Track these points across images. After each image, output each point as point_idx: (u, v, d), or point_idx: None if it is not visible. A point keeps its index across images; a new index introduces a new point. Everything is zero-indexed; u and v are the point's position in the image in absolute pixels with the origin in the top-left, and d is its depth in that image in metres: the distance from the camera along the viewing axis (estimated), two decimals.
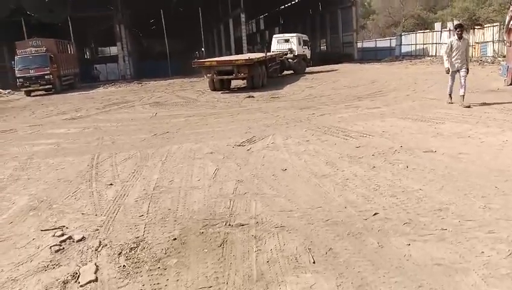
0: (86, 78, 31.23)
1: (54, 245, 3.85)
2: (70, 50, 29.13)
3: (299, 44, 25.52)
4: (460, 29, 10.03)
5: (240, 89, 18.17)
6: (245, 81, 18.44)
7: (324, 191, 4.83)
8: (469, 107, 9.35)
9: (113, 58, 37.07)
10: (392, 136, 7.23)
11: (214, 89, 18.14)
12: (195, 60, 21.46)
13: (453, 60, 9.90)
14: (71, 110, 14.86)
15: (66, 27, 31.08)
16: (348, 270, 3.15)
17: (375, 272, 3.11)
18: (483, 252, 3.27)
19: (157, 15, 34.95)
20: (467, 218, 3.87)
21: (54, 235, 4.08)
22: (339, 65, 30.02)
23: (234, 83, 19.19)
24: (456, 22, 29.63)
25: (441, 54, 30.53)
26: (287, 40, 25.54)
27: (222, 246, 3.66)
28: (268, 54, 21.74)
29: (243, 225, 4.04)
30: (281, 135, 8.06)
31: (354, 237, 3.67)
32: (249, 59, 17.83)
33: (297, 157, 6.34)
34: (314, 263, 3.29)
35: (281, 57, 24.02)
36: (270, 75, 21.15)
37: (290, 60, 24.84)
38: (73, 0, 29.66)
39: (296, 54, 25.04)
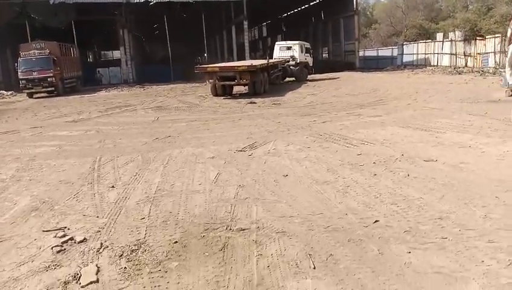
0: (88, 81, 31.27)
1: (55, 246, 3.87)
2: (73, 53, 29.21)
3: (301, 51, 25.65)
4: None
5: (241, 95, 18.25)
6: (247, 87, 18.53)
7: (325, 198, 4.85)
8: None
9: (116, 62, 37.18)
10: (393, 145, 7.26)
11: (216, 95, 18.23)
12: (198, 66, 21.53)
13: None
14: (73, 113, 14.90)
15: (70, 30, 31.23)
16: (348, 277, 3.16)
17: (375, 278, 3.12)
18: (483, 261, 3.29)
19: (161, 20, 35.13)
20: (467, 227, 3.88)
21: (55, 236, 4.09)
22: (341, 73, 30.12)
23: (236, 89, 19.28)
24: (458, 33, 29.86)
25: (443, 64, 30.83)
26: (289, 48, 25.68)
27: (223, 250, 3.67)
28: (270, 60, 21.84)
29: (243, 230, 4.05)
30: (282, 141, 8.09)
31: (355, 243, 3.68)
32: (251, 65, 17.95)
33: (299, 164, 6.37)
34: (314, 268, 3.30)
35: (283, 64, 24.12)
36: (273, 81, 21.25)
37: (292, 67, 24.95)
38: (78, 4, 29.82)
39: (298, 62, 25.15)
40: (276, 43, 27.55)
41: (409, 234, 3.81)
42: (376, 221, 4.12)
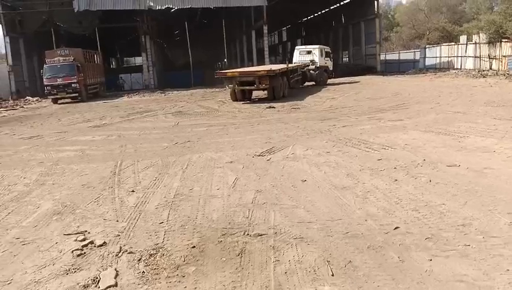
0: (111, 87, 31.92)
1: (76, 249, 3.94)
2: (97, 60, 29.87)
3: (321, 55, 25.50)
4: None
5: (261, 100, 18.26)
6: (266, 92, 18.53)
7: (344, 203, 4.78)
8: None
9: (138, 68, 37.84)
10: (415, 149, 7.12)
11: (236, 100, 18.27)
12: (218, 71, 21.67)
13: None
14: (96, 118, 15.21)
15: (94, 37, 31.98)
16: (368, 284, 3.10)
17: (396, 287, 3.05)
18: (508, 270, 3.18)
19: (182, 26, 35.58)
20: (492, 234, 3.76)
21: (76, 240, 4.17)
22: (361, 77, 29.81)
23: (255, 94, 19.29)
24: (482, 35, 29.18)
25: (466, 67, 30.16)
26: (309, 52, 25.59)
27: (240, 255, 3.66)
28: (290, 65, 21.80)
29: (261, 235, 4.04)
30: (301, 145, 8.04)
31: (374, 250, 3.62)
32: (271, 70, 17.91)
33: (317, 169, 6.31)
34: (333, 275, 3.26)
35: (303, 69, 24.03)
36: (292, 86, 21.19)
37: (311, 71, 24.83)
38: (101, 12, 30.51)
39: (318, 66, 25.02)
40: (296, 47, 27.45)
41: (431, 241, 3.72)
42: (396, 227, 4.04)
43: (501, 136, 7.75)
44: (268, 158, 7.20)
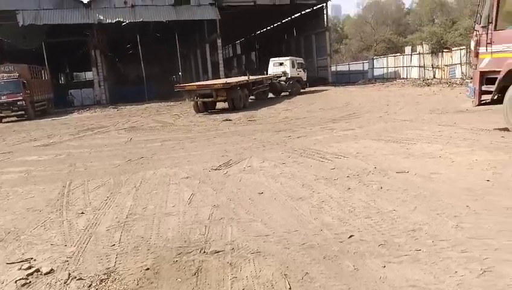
0: (60, 103, 30.71)
1: (20, 279, 3.68)
2: (44, 75, 28.71)
3: (293, 67, 26.31)
4: None
5: (219, 112, 18.31)
6: (227, 103, 18.94)
7: (300, 214, 4.81)
8: None
9: (89, 83, 36.70)
10: (366, 158, 7.32)
11: (199, 111, 18.74)
12: (177, 85, 21.84)
13: None
14: (43, 137, 14.53)
15: (40, 52, 30.71)
16: None
17: None
18: (456, 272, 3.30)
19: (134, 40, 34.98)
20: (440, 238, 3.91)
21: (20, 269, 3.90)
22: (314, 88, 30.54)
23: (220, 105, 19.52)
24: (425, 46, 30.85)
25: (412, 77, 31.68)
26: (281, 63, 26.31)
27: (197, 274, 3.57)
28: (251, 77, 22.29)
29: (218, 252, 3.96)
30: (257, 158, 8.06)
31: (330, 260, 3.65)
32: (227, 83, 18.43)
33: (274, 180, 6.33)
34: (290, 289, 3.24)
35: (274, 80, 24.75)
36: (258, 97, 22.16)
37: (282, 82, 25.54)
38: (48, 26, 29.40)
39: (289, 77, 25.74)
40: (271, 59, 28.04)
41: (384, 248, 3.80)
42: (351, 236, 4.10)
43: (445, 141, 8.15)
44: (225, 172, 7.15)
